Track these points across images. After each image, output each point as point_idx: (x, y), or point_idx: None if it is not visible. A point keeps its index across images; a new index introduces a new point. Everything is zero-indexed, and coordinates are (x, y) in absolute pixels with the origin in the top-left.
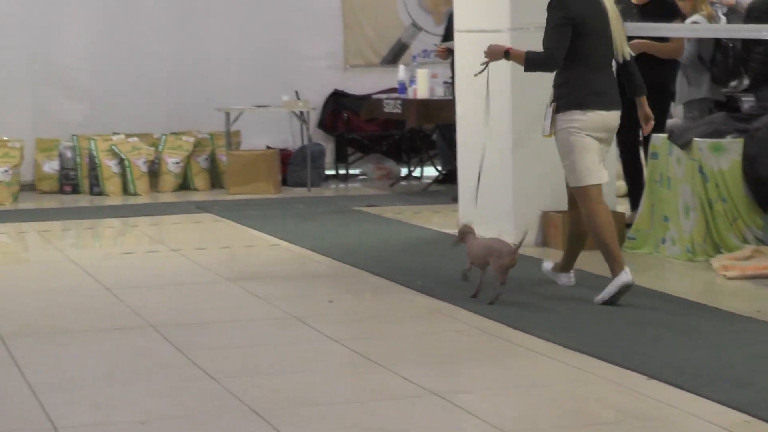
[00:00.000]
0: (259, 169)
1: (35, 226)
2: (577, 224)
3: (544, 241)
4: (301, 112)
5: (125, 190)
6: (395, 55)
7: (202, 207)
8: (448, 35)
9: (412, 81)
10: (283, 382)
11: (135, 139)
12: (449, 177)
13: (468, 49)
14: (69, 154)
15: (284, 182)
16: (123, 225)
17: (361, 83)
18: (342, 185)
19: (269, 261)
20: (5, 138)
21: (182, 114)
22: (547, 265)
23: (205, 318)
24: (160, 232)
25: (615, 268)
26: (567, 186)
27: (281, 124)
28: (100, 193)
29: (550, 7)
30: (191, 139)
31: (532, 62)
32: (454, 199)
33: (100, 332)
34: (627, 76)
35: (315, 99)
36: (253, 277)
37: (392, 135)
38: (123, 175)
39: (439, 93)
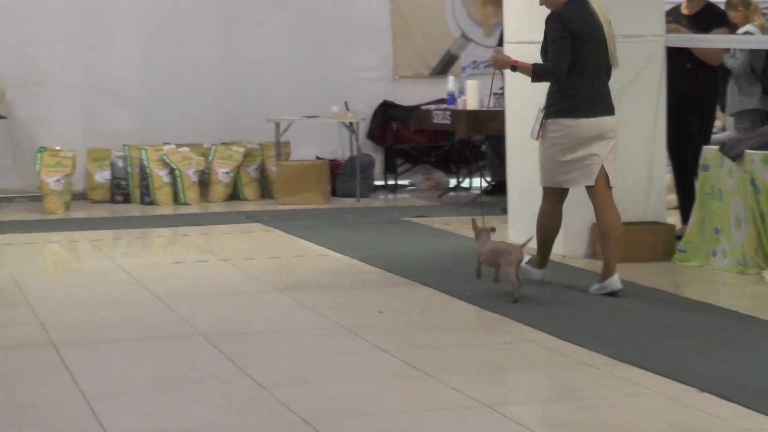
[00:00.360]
0: (309, 180)
1: (87, 235)
2: (601, 219)
3: (593, 254)
4: (351, 123)
5: (176, 200)
6: (444, 66)
7: (251, 217)
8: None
9: (462, 92)
10: (332, 392)
11: (185, 149)
12: (498, 188)
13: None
14: (120, 163)
15: (333, 193)
16: (173, 234)
17: (411, 94)
18: (391, 196)
19: (318, 271)
20: (58, 148)
21: (232, 124)
22: (603, 285)
23: (255, 327)
24: (209, 242)
25: (540, 262)
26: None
27: (330, 134)
28: (151, 203)
29: (549, 20)
30: (241, 150)
31: (538, 73)
32: (503, 210)
33: (151, 341)
34: None
35: (364, 110)
36: (302, 287)
37: (441, 146)
38: (173, 184)
39: (489, 104)
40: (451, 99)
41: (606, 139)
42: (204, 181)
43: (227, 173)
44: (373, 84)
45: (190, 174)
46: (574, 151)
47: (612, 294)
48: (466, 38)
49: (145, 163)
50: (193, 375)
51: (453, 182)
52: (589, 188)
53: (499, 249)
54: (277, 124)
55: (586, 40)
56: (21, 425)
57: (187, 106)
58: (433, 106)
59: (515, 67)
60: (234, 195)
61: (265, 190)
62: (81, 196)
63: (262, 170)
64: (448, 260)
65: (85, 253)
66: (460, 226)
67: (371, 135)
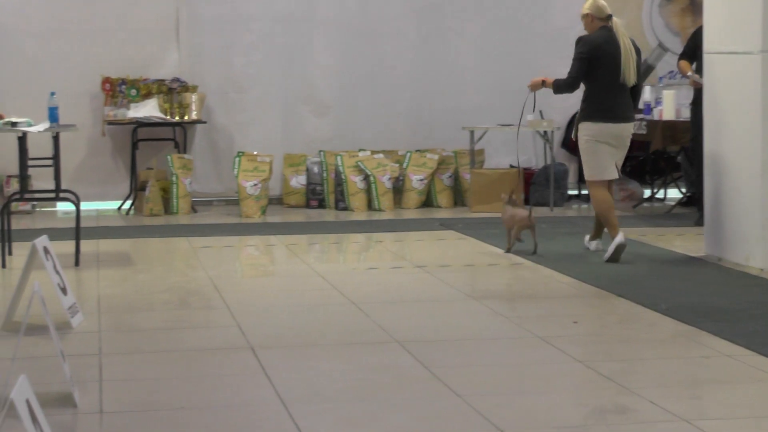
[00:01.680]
0: (502, 188)
1: (282, 240)
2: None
3: None
4: (545, 132)
5: (370, 206)
6: (641, 76)
7: (445, 224)
8: (687, 53)
9: (658, 102)
10: (527, 402)
11: (380, 155)
12: (694, 200)
13: (716, 71)
14: (316, 169)
15: (526, 201)
16: (367, 240)
17: None
18: (584, 205)
19: (512, 280)
20: (255, 153)
21: (427, 131)
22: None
23: (449, 335)
24: (403, 249)
25: (612, 233)
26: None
27: (525, 143)
28: (345, 209)
29: (576, 43)
30: (435, 157)
31: (558, 86)
32: (698, 222)
33: (348, 346)
34: (633, 97)
35: (559, 119)
36: (497, 295)
37: (636, 156)
38: (368, 191)
39: (686, 115)
40: (647, 109)
41: (622, 140)
42: (398, 188)
43: (421, 180)
44: (568, 93)
45: (385, 180)
46: (604, 149)
47: (623, 246)
48: (663, 48)
49: (341, 169)
50: (389, 382)
51: (647, 193)
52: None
53: (514, 214)
54: (472, 132)
55: (603, 62)
56: (220, 426)
57: (382, 113)
58: None
59: (544, 82)
60: (427, 202)
61: (459, 198)
62: (277, 201)
63: (456, 178)
64: (643, 272)
65: (281, 257)
66: (655, 237)
67: (565, 144)
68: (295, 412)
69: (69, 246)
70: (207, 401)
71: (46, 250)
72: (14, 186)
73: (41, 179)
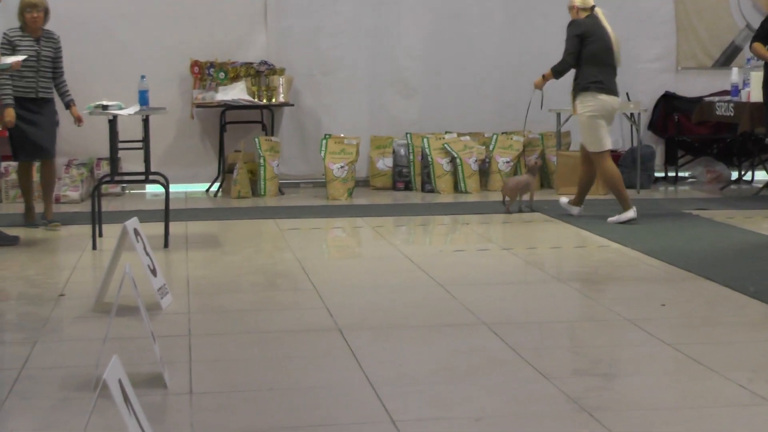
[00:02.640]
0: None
1: (369, 222)
2: (586, 174)
3: None
4: (632, 114)
5: (456, 188)
6: (728, 57)
7: (530, 206)
8: (762, 35)
9: (746, 84)
10: (616, 385)
11: (467, 138)
12: None
13: None
14: (402, 151)
15: None
16: (454, 222)
17: (693, 85)
18: (671, 188)
19: (600, 262)
20: (342, 135)
21: (513, 114)
22: (564, 200)
23: (537, 317)
24: (489, 231)
25: (624, 206)
26: (581, 149)
27: (612, 124)
28: (432, 191)
29: (568, 26)
30: (521, 139)
31: (556, 71)
32: None
33: (435, 328)
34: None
35: (646, 101)
36: (584, 278)
37: (724, 138)
38: (454, 173)
39: None
40: (735, 91)
41: (614, 112)
42: (484, 171)
43: (507, 162)
44: (655, 75)
45: (471, 163)
46: (602, 122)
47: (633, 220)
48: (751, 29)
49: (427, 151)
50: (477, 364)
51: (735, 175)
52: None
53: (517, 180)
54: (558, 114)
55: (594, 41)
56: (308, 407)
57: (468, 95)
58: (716, 98)
59: (545, 76)
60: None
61: (545, 180)
62: (363, 183)
63: (543, 160)
64: (731, 254)
65: (367, 239)
66: (743, 219)
67: (652, 126)
68: (384, 394)
69: (158, 228)
70: (295, 382)
71: (136, 232)
72: (104, 168)
73: (131, 162)
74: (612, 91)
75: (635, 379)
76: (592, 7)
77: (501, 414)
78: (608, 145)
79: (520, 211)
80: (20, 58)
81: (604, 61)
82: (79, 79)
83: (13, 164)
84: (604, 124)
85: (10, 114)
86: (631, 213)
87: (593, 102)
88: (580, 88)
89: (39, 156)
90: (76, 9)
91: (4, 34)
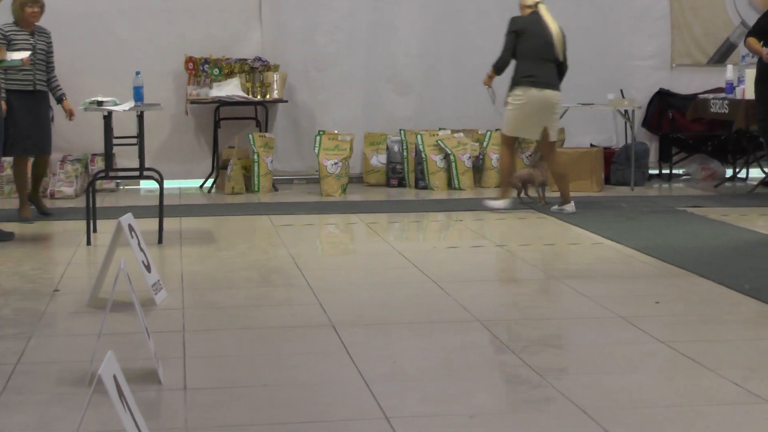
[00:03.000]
0: (583, 167)
1: (363, 218)
2: (555, 166)
3: None
4: (626, 111)
5: (450, 185)
6: (723, 54)
7: (524, 203)
8: (757, 31)
9: (741, 81)
10: (610, 383)
11: (460, 134)
12: None
13: None
14: (396, 148)
15: (607, 180)
16: (447, 219)
17: (688, 83)
18: (665, 185)
19: (593, 259)
20: (336, 132)
21: None
22: (555, 208)
23: (530, 314)
24: (483, 227)
25: (501, 194)
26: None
27: (606, 122)
28: (426, 187)
29: (510, 21)
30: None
31: (496, 67)
32: None
33: (429, 325)
34: (559, 73)
35: (640, 98)
36: (578, 275)
37: (718, 135)
38: (448, 169)
39: None
40: (730, 88)
41: (548, 105)
42: (478, 167)
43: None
44: (650, 72)
45: (465, 159)
46: (525, 111)
47: (496, 210)
48: (746, 27)
49: (421, 147)
50: (471, 361)
51: (729, 172)
52: (540, 142)
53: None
54: None
55: (529, 37)
56: (302, 403)
57: (462, 92)
58: (710, 95)
59: (489, 73)
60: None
61: None
62: (357, 179)
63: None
64: (725, 252)
65: (361, 235)
66: (738, 217)
67: (646, 123)
68: (377, 391)
69: (152, 224)
70: (289, 379)
71: (131, 228)
72: (99, 164)
73: (125, 158)
74: (547, 84)
75: (629, 377)
76: (536, 4)
77: (495, 411)
78: (519, 133)
79: (522, 202)
80: (26, 54)
81: (541, 56)
82: (75, 74)
83: (8, 159)
84: (529, 116)
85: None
86: (501, 203)
87: (522, 96)
88: (513, 82)
89: (35, 152)
90: (72, 5)
91: None
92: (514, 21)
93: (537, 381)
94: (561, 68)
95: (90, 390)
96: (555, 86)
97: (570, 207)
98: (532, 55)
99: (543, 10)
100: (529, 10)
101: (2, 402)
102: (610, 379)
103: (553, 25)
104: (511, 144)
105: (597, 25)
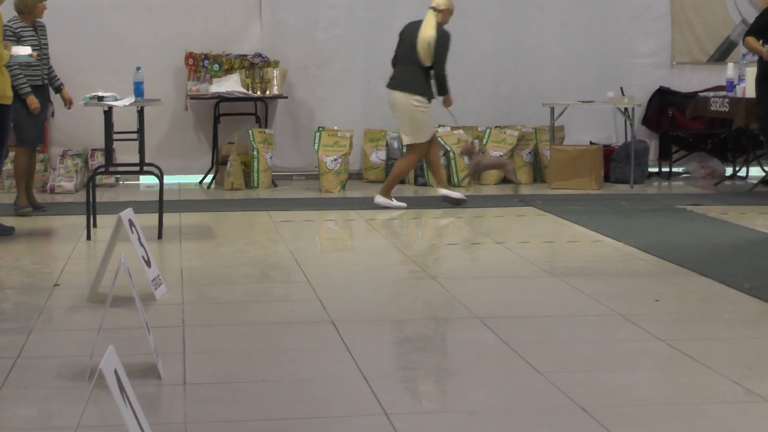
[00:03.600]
0: (582, 165)
1: (362, 214)
2: (428, 155)
3: None
4: (626, 109)
5: (449, 182)
6: (723, 52)
7: (524, 200)
8: (756, 30)
9: (741, 79)
10: (608, 380)
11: (460, 131)
12: None
13: None
14: (396, 144)
15: (606, 178)
16: (447, 216)
17: (688, 81)
18: (665, 183)
19: (593, 257)
20: (336, 128)
21: (507, 108)
22: (441, 191)
23: (530, 311)
24: (483, 225)
25: (385, 191)
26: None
27: (605, 120)
28: (425, 184)
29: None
30: (515, 133)
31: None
32: None
33: (428, 321)
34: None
35: (640, 95)
36: (577, 272)
37: (718, 134)
38: (447, 166)
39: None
40: (730, 86)
41: (391, 108)
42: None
43: (501, 156)
44: (650, 70)
45: (464, 156)
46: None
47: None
48: (746, 24)
49: None
50: (470, 357)
51: (729, 171)
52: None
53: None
54: (552, 109)
55: (400, 41)
56: (301, 399)
57: (462, 89)
58: (711, 93)
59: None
60: (506, 178)
61: (538, 174)
62: (357, 176)
63: (536, 154)
64: (725, 250)
65: (360, 231)
66: (738, 215)
67: (646, 121)
68: (377, 386)
69: (151, 219)
70: (288, 374)
71: (131, 223)
72: (99, 159)
73: (124, 153)
74: (396, 86)
75: (628, 375)
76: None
77: (494, 408)
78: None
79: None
80: (29, 48)
81: (407, 59)
82: (75, 69)
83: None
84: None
85: (34, 101)
86: (380, 200)
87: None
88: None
89: (39, 142)
90: (72, 0)
91: (7, 26)
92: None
93: (536, 378)
94: (434, 74)
95: (91, 384)
96: (407, 89)
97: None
98: (401, 58)
99: (429, 15)
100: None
101: (2, 396)
102: (609, 377)
103: (424, 31)
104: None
105: (597, 23)
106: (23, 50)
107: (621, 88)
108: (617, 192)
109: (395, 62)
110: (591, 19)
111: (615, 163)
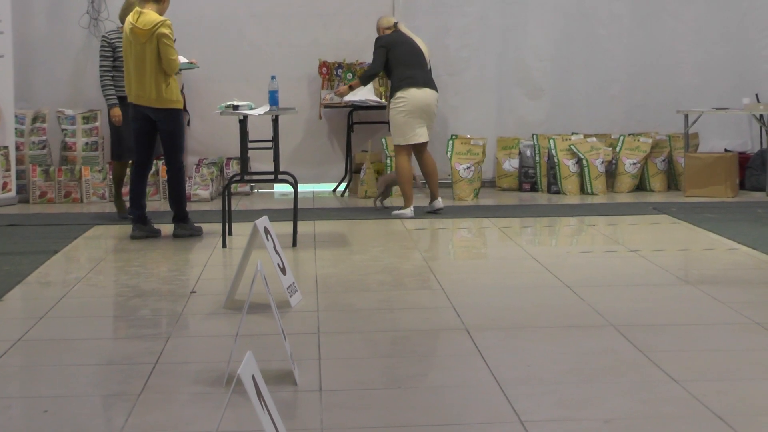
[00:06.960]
0: (717, 172)
1: (495, 222)
2: (424, 166)
3: None
4: (761, 116)
5: (582, 190)
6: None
7: (658, 208)
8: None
9: None
10: (747, 389)
11: (593, 139)
12: None
13: None
14: (529, 152)
15: (741, 186)
16: (580, 224)
17: None
18: None
19: (728, 265)
20: (468, 136)
21: (640, 115)
22: (433, 205)
23: (665, 320)
24: (616, 233)
25: (406, 203)
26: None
27: (740, 126)
28: (558, 192)
29: (375, 42)
30: (649, 141)
31: (364, 78)
32: None
33: (563, 329)
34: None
35: None
36: (713, 280)
37: None
38: (581, 174)
39: None
40: None
41: (428, 106)
42: (611, 172)
43: (634, 164)
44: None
45: (598, 164)
46: (416, 115)
47: (437, 211)
48: None
49: (553, 152)
50: (605, 366)
51: None
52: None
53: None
54: (686, 116)
55: (399, 48)
56: (436, 407)
57: (595, 96)
58: None
59: (351, 87)
60: (640, 186)
61: (672, 182)
62: (490, 184)
63: (670, 162)
64: None
65: (493, 239)
66: None
67: None
68: (511, 394)
69: (286, 227)
70: (423, 381)
71: (266, 231)
72: (234, 168)
73: (259, 161)
74: (425, 83)
75: (765, 384)
76: (395, 24)
77: (630, 416)
78: (414, 139)
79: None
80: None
81: (412, 61)
82: (211, 79)
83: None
84: (417, 120)
85: (117, 113)
86: (408, 212)
87: (405, 97)
88: (393, 88)
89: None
90: (208, 10)
91: (104, 36)
92: (380, 39)
93: (672, 386)
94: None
95: (229, 390)
96: (432, 86)
97: (438, 203)
98: (405, 61)
99: (403, 27)
100: (389, 31)
101: (142, 401)
102: (747, 385)
103: (417, 39)
104: (409, 153)
105: (732, 29)
106: (181, 58)
107: (756, 95)
108: (753, 199)
109: (395, 67)
110: (724, 24)
111: (750, 170)
